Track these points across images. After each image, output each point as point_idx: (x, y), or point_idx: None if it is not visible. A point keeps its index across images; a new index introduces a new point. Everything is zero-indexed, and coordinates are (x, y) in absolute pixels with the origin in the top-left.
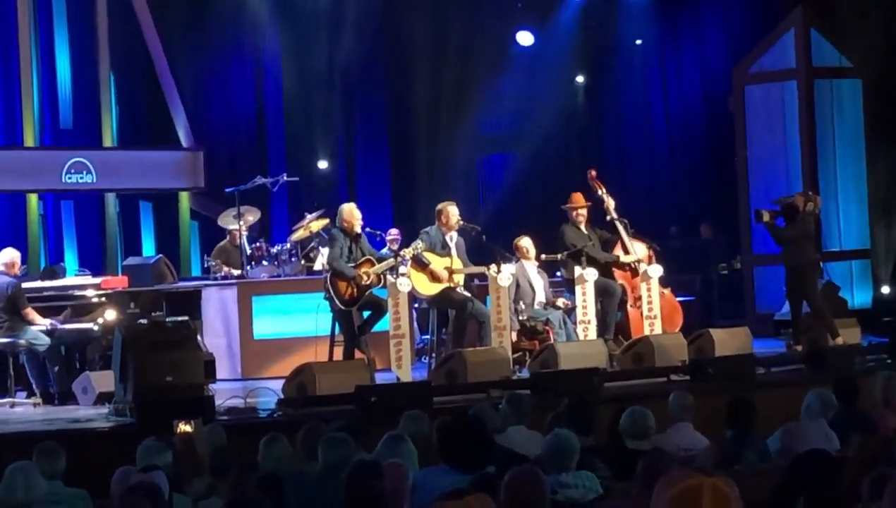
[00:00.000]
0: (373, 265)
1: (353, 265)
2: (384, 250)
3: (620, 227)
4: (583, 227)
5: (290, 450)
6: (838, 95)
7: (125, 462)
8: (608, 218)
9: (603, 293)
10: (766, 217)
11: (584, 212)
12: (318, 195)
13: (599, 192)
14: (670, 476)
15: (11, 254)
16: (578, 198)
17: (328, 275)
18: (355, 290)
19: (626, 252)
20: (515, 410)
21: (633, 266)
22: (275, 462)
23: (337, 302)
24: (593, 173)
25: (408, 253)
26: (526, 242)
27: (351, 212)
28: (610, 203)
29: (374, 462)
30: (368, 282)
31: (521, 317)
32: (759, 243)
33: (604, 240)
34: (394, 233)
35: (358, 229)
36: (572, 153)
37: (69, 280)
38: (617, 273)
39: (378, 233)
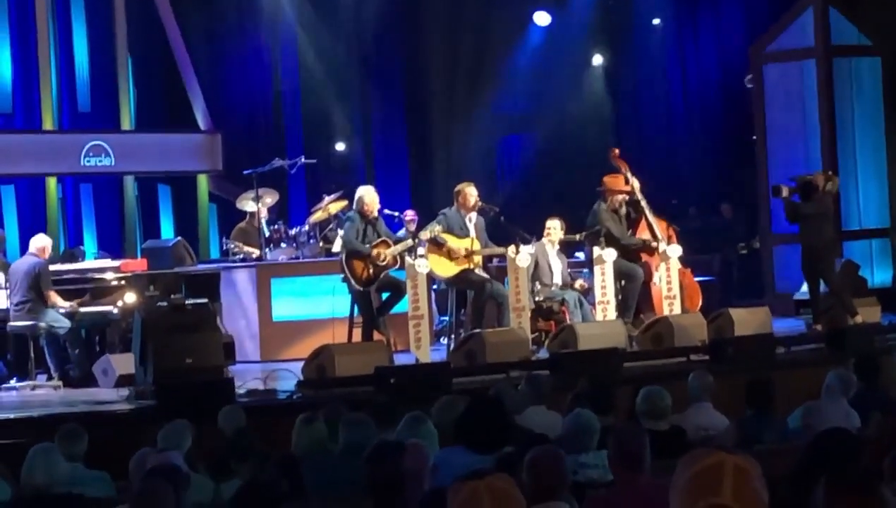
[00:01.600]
0: (388, 246)
1: (368, 245)
2: (401, 232)
3: (645, 206)
4: (619, 211)
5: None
6: (857, 74)
7: (145, 445)
8: (632, 197)
9: (625, 276)
10: (784, 192)
11: (621, 197)
12: (335, 177)
13: (623, 171)
14: (692, 453)
15: (44, 240)
16: (618, 181)
17: (343, 256)
18: (371, 270)
19: (651, 231)
20: (534, 391)
21: (653, 249)
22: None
23: (353, 282)
24: (616, 152)
25: (424, 235)
26: (553, 223)
27: (368, 196)
28: (635, 182)
29: (395, 442)
30: (384, 263)
31: (537, 298)
32: (778, 222)
33: (629, 219)
34: (410, 214)
35: (375, 213)
36: (590, 133)
37: (88, 263)
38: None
39: (396, 214)
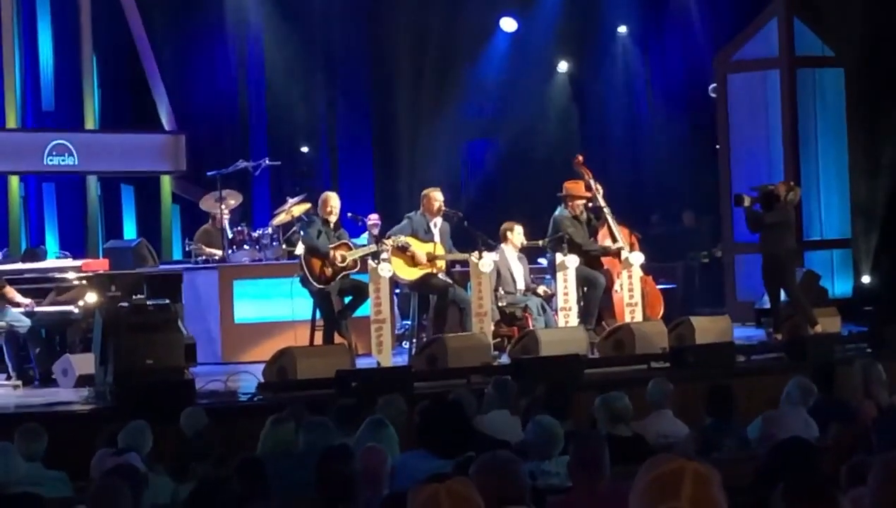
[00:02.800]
0: (349, 249)
1: (328, 246)
2: (364, 235)
3: (608, 213)
4: (580, 217)
5: (292, 435)
6: (821, 85)
7: (105, 445)
8: (595, 204)
9: (587, 283)
10: (746, 201)
11: (581, 202)
12: (299, 179)
13: (587, 178)
14: (653, 459)
15: None
16: (579, 187)
17: (302, 254)
18: (329, 270)
19: (613, 238)
20: (500, 395)
21: (620, 253)
22: (274, 444)
23: (311, 280)
24: (580, 159)
25: (388, 243)
26: (515, 229)
27: (327, 201)
28: (598, 189)
29: (344, 446)
30: (343, 265)
31: (500, 304)
32: (740, 231)
33: (590, 226)
34: (374, 218)
35: (334, 218)
36: (555, 140)
37: (50, 262)
38: (603, 257)
39: (360, 218)
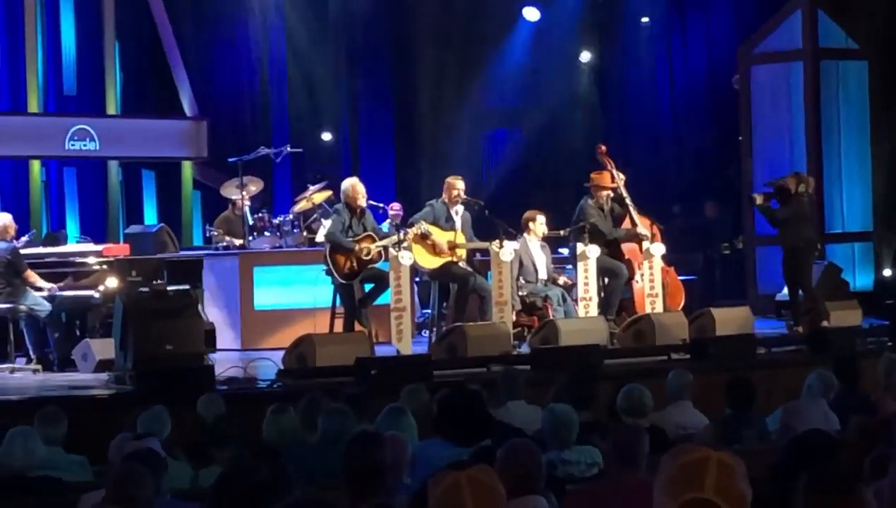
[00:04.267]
0: (374, 241)
1: (352, 239)
2: (385, 223)
3: (630, 203)
4: (605, 207)
5: (295, 422)
6: (844, 77)
7: (124, 430)
8: (617, 193)
9: (608, 273)
10: (759, 200)
11: (607, 193)
12: (321, 167)
13: (609, 167)
14: (677, 448)
15: (2, 219)
16: (605, 177)
17: (327, 249)
18: (355, 264)
19: (634, 227)
20: (509, 385)
21: (642, 239)
22: (278, 432)
23: (337, 275)
24: (603, 148)
25: (411, 232)
26: (537, 218)
27: (354, 188)
28: (620, 178)
29: (374, 433)
30: (368, 258)
31: (520, 293)
32: (761, 223)
33: (615, 215)
34: (396, 207)
35: (362, 204)
36: (576, 130)
37: (71, 247)
38: (625, 247)
39: (381, 206)
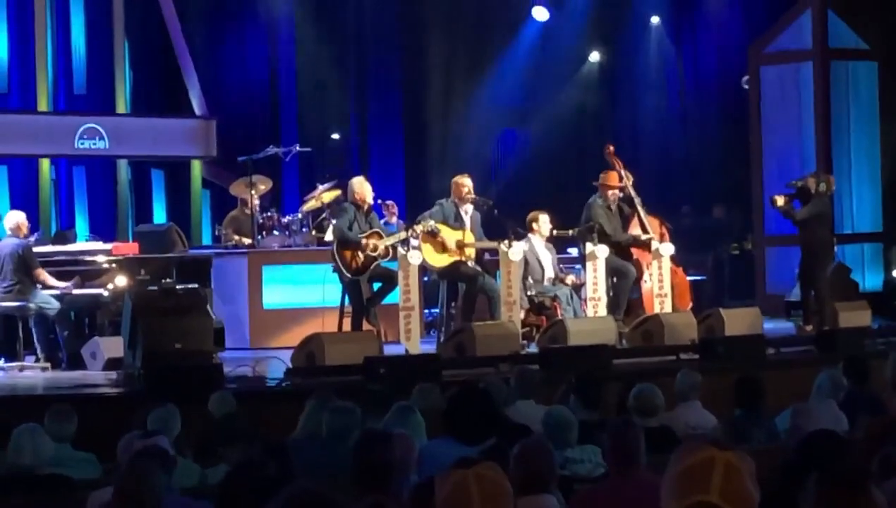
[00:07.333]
0: (381, 238)
1: (359, 235)
2: (382, 221)
3: (638, 203)
4: (612, 207)
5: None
6: (854, 77)
7: (133, 428)
8: (625, 193)
9: (617, 273)
10: (780, 201)
11: (615, 193)
12: (330, 166)
13: (617, 167)
14: (683, 447)
15: (17, 217)
16: (613, 177)
17: (335, 245)
18: (361, 260)
19: (643, 227)
20: (523, 385)
21: (649, 243)
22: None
23: (343, 271)
24: (611, 148)
25: (419, 228)
26: (540, 218)
27: (361, 186)
28: (628, 179)
29: (383, 431)
30: (375, 254)
31: (529, 293)
32: (771, 224)
33: (623, 216)
34: (390, 203)
35: (369, 201)
36: (586, 130)
37: (80, 245)
38: (633, 248)
39: (379, 201)
